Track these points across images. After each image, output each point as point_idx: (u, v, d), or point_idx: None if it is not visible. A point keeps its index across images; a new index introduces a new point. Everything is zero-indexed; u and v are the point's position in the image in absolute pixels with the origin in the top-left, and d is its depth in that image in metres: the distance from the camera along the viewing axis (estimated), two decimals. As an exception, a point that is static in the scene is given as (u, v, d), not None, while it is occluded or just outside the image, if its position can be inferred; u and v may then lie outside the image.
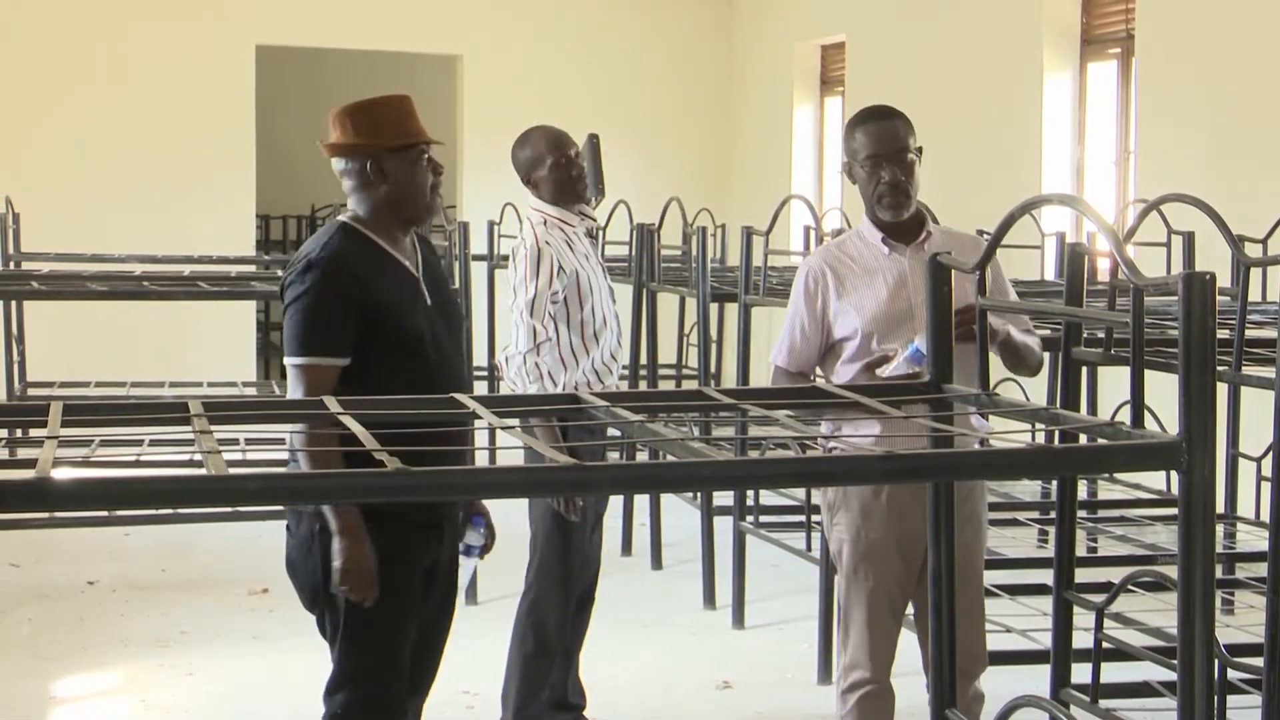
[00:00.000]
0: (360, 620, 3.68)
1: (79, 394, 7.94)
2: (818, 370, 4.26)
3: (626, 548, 7.85)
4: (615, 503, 6.84)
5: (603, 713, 5.35)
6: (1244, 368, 4.06)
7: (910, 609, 4.23)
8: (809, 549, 6.13)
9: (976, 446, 2.97)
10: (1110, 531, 6.27)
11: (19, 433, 6.80)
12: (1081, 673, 4.00)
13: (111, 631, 6.46)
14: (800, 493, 6.53)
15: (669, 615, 6.80)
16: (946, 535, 2.99)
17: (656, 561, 7.63)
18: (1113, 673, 4.16)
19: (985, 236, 3.64)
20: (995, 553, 5.54)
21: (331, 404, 2.58)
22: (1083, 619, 4.04)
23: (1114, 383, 6.73)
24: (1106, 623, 4.03)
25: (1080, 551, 5.05)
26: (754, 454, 6.08)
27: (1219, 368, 2.47)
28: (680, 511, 7.71)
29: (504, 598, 5.25)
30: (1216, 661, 3.18)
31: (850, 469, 2.66)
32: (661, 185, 11.10)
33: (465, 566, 4.01)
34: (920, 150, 4.16)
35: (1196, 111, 8.09)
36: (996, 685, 4.21)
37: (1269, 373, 3.98)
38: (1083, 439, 2.73)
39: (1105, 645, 4.01)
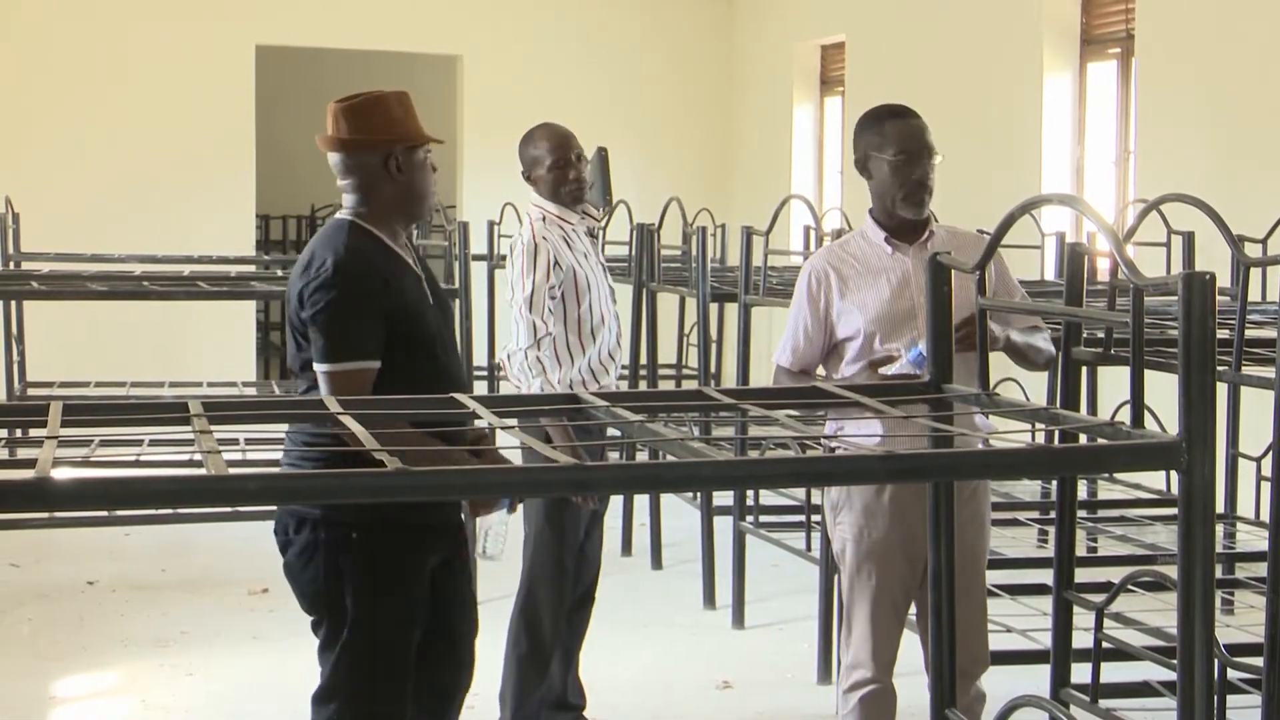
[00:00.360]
0: (363, 632, 3.63)
1: (79, 394, 7.93)
2: (819, 370, 4.26)
3: (626, 548, 7.85)
4: (615, 503, 6.84)
5: (603, 713, 5.35)
6: (1244, 368, 4.06)
7: (912, 609, 4.23)
8: (809, 549, 6.13)
9: (979, 446, 2.97)
10: (1110, 531, 6.27)
11: (19, 433, 6.79)
12: (1081, 673, 4.00)
13: (111, 631, 6.46)
14: (800, 493, 6.52)
15: (669, 615, 6.80)
16: (946, 535, 2.99)
17: (656, 561, 7.63)
18: (1112, 672, 4.16)
19: (986, 236, 3.63)
20: (995, 553, 5.53)
21: (331, 404, 2.58)
22: (1083, 619, 4.04)
23: (1114, 383, 6.72)
24: (1106, 622, 4.03)
25: (1080, 551, 5.05)
26: (754, 454, 6.08)
27: (1219, 368, 2.47)
28: (680, 511, 7.71)
29: (504, 598, 5.24)
30: (1216, 661, 3.18)
31: (850, 469, 2.66)
32: (661, 185, 11.10)
33: (493, 526, 3.95)
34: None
35: (1196, 111, 8.09)
36: (996, 685, 4.21)
37: (1269, 373, 3.98)
38: (1083, 439, 2.73)
39: (1105, 645, 4.01)
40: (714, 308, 8.15)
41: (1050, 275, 7.81)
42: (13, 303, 8.17)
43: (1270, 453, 4.36)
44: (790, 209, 9.06)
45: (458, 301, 6.21)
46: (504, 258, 5.70)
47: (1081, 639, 4.08)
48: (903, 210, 4.16)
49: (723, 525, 6.82)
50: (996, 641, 4.53)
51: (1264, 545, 4.15)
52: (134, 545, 7.74)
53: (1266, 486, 5.31)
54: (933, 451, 2.85)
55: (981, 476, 3.97)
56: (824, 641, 5.79)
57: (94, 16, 11.60)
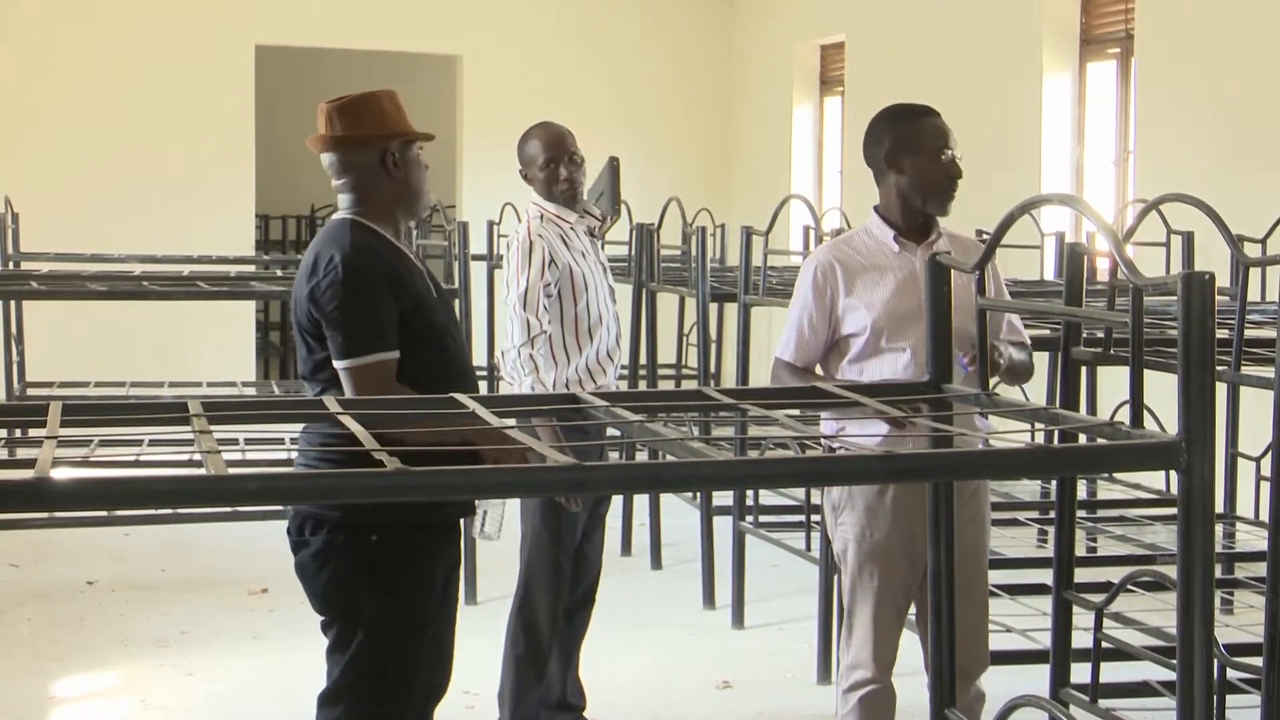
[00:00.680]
0: (379, 635, 3.62)
1: (78, 394, 7.93)
2: (817, 369, 4.25)
3: (626, 548, 7.85)
4: (615, 503, 6.83)
5: (603, 713, 5.35)
6: (1243, 368, 4.06)
7: (912, 609, 4.23)
8: (809, 549, 6.13)
9: (980, 446, 2.97)
10: (1110, 531, 6.27)
11: (19, 433, 6.79)
12: (1081, 672, 4.00)
13: (111, 631, 6.46)
14: (800, 493, 6.52)
15: (669, 615, 6.80)
16: (946, 535, 2.99)
17: (656, 561, 7.63)
18: (1112, 672, 4.16)
19: (985, 237, 3.63)
20: (995, 553, 5.53)
21: (331, 404, 2.58)
22: (1082, 619, 4.04)
23: (1114, 383, 6.73)
24: (1106, 622, 4.03)
25: (1080, 551, 5.05)
26: (754, 454, 6.08)
27: (1218, 367, 2.47)
28: (680, 511, 7.71)
29: (504, 597, 5.25)
30: (1216, 661, 3.18)
31: (850, 469, 2.66)
32: (661, 185, 11.10)
33: (491, 507, 3.93)
34: None
35: (1196, 111, 8.09)
36: (996, 685, 4.21)
37: (1268, 373, 3.98)
38: (1082, 439, 2.73)
39: (1105, 645, 4.01)
40: (714, 308, 8.16)
41: (1050, 275, 7.81)
42: (12, 303, 8.17)
43: (1270, 452, 4.36)
44: (790, 209, 9.05)
45: (457, 301, 6.21)
46: (503, 257, 5.70)
47: (1081, 639, 4.08)
48: (932, 207, 4.15)
49: (722, 525, 6.82)
50: (996, 641, 4.53)
51: (1263, 545, 4.16)
52: (134, 545, 7.75)
53: (1266, 486, 5.31)
54: (933, 451, 2.85)
55: (981, 476, 3.97)
56: (824, 641, 5.79)
57: (94, 16, 11.60)
